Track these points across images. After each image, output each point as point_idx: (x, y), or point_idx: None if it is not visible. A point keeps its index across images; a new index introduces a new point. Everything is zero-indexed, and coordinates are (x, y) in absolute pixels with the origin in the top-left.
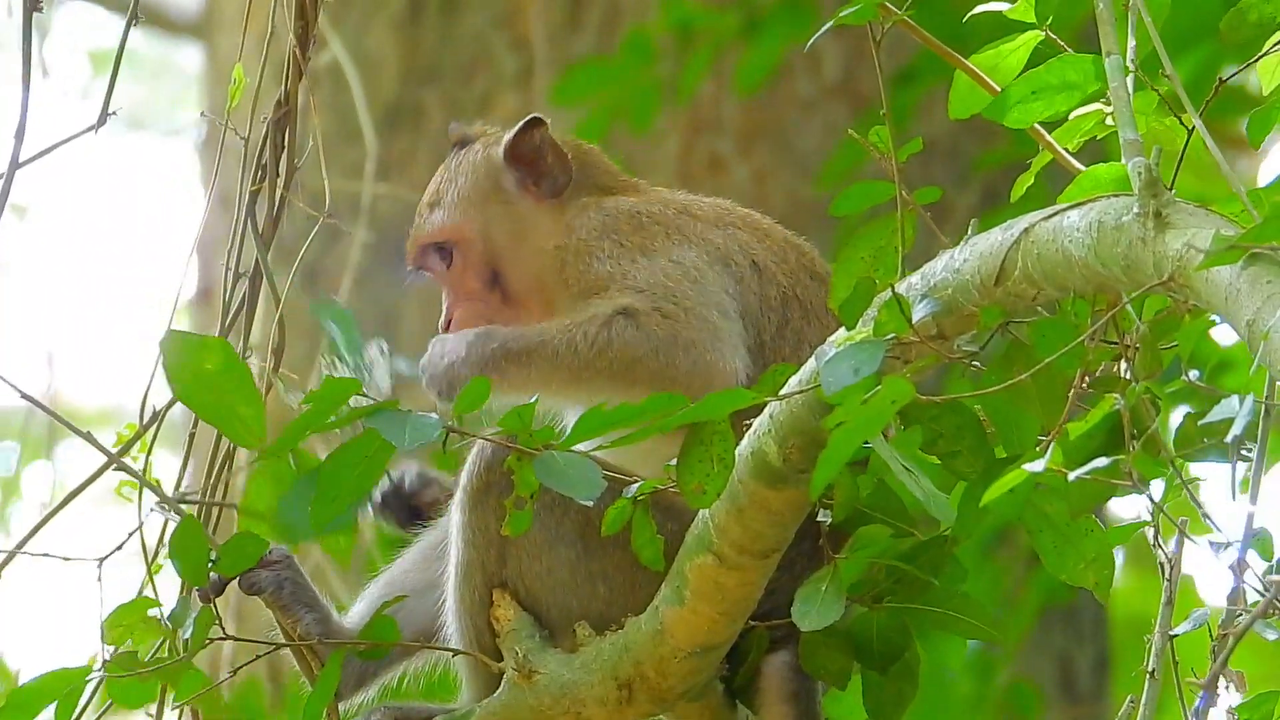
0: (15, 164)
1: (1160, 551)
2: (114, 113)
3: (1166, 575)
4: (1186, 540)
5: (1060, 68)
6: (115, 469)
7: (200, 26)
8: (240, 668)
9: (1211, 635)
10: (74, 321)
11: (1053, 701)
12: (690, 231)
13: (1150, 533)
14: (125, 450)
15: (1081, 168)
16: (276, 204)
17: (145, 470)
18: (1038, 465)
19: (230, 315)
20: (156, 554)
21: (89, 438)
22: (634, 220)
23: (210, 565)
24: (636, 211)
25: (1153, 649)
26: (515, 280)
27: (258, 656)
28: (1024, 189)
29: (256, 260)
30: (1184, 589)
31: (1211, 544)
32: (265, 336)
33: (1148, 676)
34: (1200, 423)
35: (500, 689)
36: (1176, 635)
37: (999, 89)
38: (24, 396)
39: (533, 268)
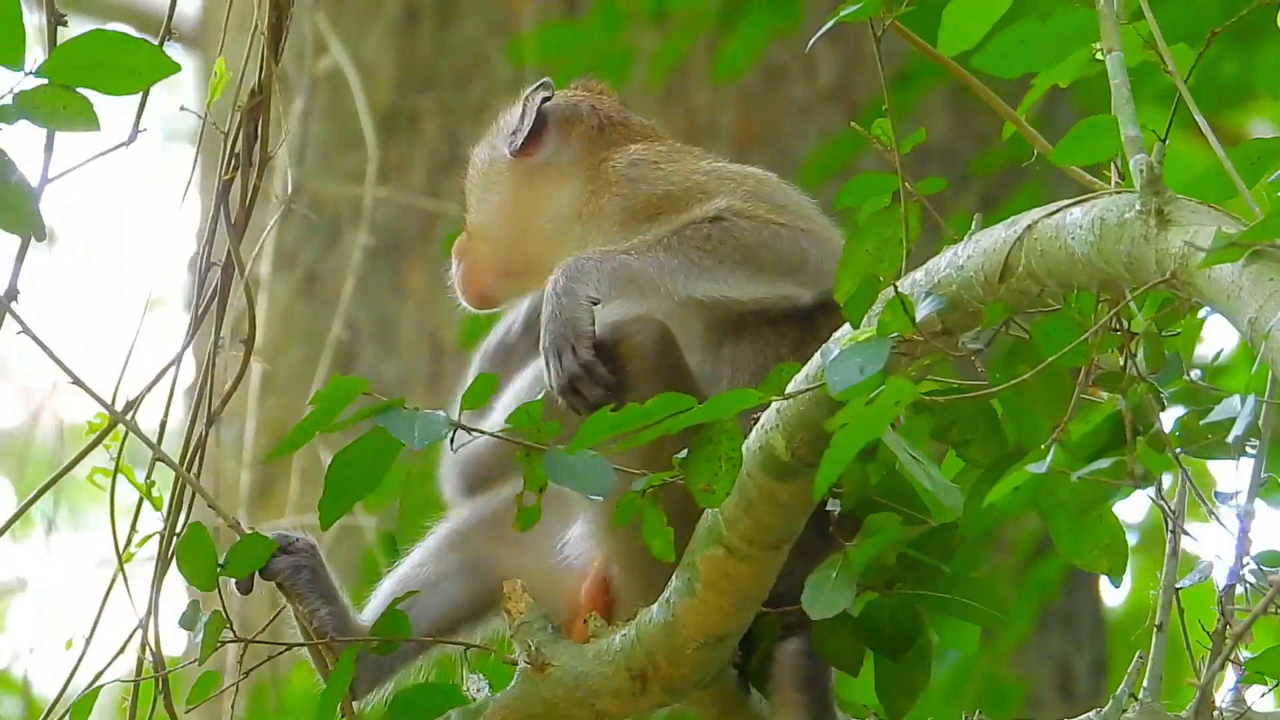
0: (45, 179)
1: (1164, 505)
2: (144, 129)
3: (1170, 528)
4: (1187, 535)
5: (1065, 17)
6: (106, 445)
7: (197, 33)
8: (254, 668)
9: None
10: (83, 337)
11: (1051, 704)
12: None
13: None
14: (105, 434)
15: (1047, 142)
16: (250, 193)
17: (119, 457)
18: (1041, 466)
19: (204, 305)
20: (129, 541)
21: (84, 385)
22: (664, 151)
23: (220, 569)
24: (661, 148)
25: (1159, 603)
26: (471, 223)
27: (270, 657)
28: (1026, 109)
29: (229, 250)
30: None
31: (1218, 494)
32: (264, 341)
33: (1155, 630)
34: (1202, 422)
35: (513, 682)
36: (1182, 588)
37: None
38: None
39: (484, 217)
